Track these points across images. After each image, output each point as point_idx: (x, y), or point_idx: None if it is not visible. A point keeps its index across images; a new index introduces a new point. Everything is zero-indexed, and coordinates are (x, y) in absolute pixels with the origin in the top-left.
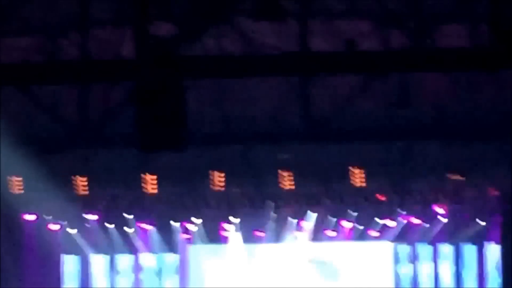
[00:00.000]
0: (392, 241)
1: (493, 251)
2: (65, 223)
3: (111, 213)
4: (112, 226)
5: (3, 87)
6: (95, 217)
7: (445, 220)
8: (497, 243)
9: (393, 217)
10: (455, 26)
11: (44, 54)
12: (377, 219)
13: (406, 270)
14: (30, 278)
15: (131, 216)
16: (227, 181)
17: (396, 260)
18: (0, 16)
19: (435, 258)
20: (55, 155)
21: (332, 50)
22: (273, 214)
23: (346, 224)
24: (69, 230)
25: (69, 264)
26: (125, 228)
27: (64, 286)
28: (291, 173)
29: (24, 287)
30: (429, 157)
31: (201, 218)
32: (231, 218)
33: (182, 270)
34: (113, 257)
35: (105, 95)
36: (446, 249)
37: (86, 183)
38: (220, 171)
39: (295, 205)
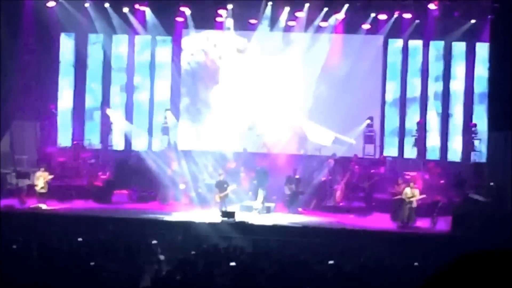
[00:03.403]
0: (384, 35)
1: (482, 49)
2: (63, 0)
3: None
4: (109, 5)
5: None
6: None
7: (437, 17)
8: (486, 41)
9: (385, 11)
10: None
11: None
12: (370, 12)
13: (396, 63)
14: (28, 56)
15: None
16: None
17: (387, 53)
18: None
19: (425, 53)
20: None
21: None
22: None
23: (339, 16)
24: (67, 7)
25: (67, 43)
26: (121, 8)
27: (61, 64)
28: None
29: (23, 66)
30: None
31: (196, 2)
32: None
33: (175, 52)
34: (110, 36)
35: None
36: (437, 45)
37: None
38: None
39: None
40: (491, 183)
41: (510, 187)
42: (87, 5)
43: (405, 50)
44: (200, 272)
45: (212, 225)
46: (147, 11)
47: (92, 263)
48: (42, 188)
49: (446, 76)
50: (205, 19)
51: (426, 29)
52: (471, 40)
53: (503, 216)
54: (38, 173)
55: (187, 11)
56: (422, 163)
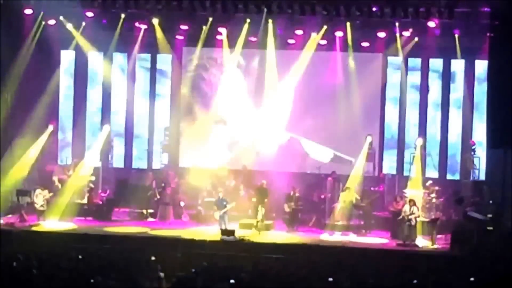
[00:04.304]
0: (383, 52)
1: (482, 67)
2: (63, 18)
3: (107, 10)
4: (109, 23)
5: None
6: (91, 14)
7: (436, 35)
8: (485, 59)
9: (385, 29)
10: None
11: None
12: (369, 30)
13: (395, 80)
14: (29, 74)
15: (128, 15)
16: None
17: (386, 71)
18: None
19: (424, 70)
20: None
21: None
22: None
23: (338, 34)
24: (66, 25)
25: (67, 61)
26: (121, 26)
27: (61, 81)
28: None
29: (23, 83)
30: None
31: (196, 20)
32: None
33: (175, 70)
34: (109, 55)
35: None
36: (436, 63)
37: None
38: None
39: (288, 13)
40: (490, 201)
41: (509, 205)
42: (83, 24)
43: (404, 67)
44: None
45: (212, 242)
46: (148, 29)
47: (92, 280)
48: (41, 206)
49: (445, 94)
50: (205, 37)
51: (426, 46)
52: (470, 57)
53: (502, 233)
54: (38, 191)
55: (187, 29)
56: (421, 180)
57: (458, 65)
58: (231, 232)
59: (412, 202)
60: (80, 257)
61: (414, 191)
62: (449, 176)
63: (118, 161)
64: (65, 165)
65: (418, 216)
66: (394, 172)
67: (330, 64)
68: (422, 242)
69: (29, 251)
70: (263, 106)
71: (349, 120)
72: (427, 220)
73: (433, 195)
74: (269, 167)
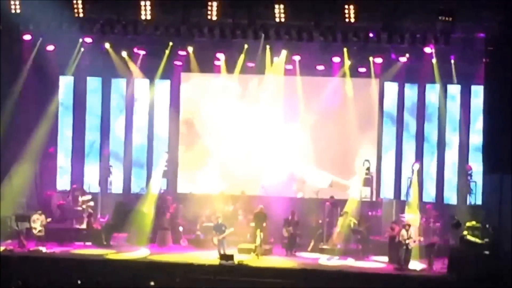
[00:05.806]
0: (380, 78)
1: (477, 92)
2: (62, 44)
3: (106, 36)
4: (107, 49)
5: None
6: (90, 39)
7: (432, 60)
8: (481, 84)
9: (381, 54)
10: None
11: None
12: (366, 56)
13: (392, 105)
14: (28, 100)
15: (126, 41)
16: (221, 11)
17: (383, 96)
18: None
19: (420, 96)
20: None
21: None
22: (264, 46)
23: (335, 59)
24: (65, 51)
25: (66, 86)
26: (120, 52)
27: (60, 107)
28: (284, 6)
29: (22, 109)
30: None
31: (194, 46)
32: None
33: (174, 96)
34: (108, 80)
35: None
36: (432, 88)
37: (82, 5)
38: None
39: (286, 38)
40: (487, 226)
41: (506, 229)
42: (82, 49)
43: (401, 93)
44: None
45: (211, 267)
46: (146, 55)
47: None
48: (39, 231)
49: (442, 119)
50: (203, 63)
51: (422, 72)
52: (466, 83)
53: (499, 257)
54: (35, 216)
55: (185, 54)
56: (418, 205)
57: (454, 90)
58: (230, 257)
59: (409, 227)
60: (79, 282)
61: (412, 216)
62: (446, 201)
63: (117, 186)
64: (64, 191)
65: (415, 241)
66: (392, 196)
67: (327, 89)
68: (420, 266)
69: (28, 276)
70: (261, 131)
71: (347, 145)
72: (424, 244)
73: (431, 219)
74: (267, 193)
